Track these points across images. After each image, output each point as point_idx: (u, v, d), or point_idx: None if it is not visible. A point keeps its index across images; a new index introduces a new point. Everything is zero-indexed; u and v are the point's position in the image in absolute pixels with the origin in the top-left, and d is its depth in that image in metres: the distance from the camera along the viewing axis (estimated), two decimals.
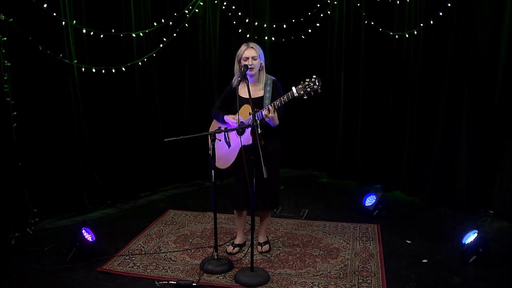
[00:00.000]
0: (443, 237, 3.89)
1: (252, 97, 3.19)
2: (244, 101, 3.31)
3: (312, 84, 3.09)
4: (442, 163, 4.62)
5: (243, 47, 3.34)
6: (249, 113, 3.16)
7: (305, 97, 3.13)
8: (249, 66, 3.28)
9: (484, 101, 4.34)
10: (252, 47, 3.31)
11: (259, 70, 3.37)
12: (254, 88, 3.38)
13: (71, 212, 4.39)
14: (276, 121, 3.25)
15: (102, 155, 4.65)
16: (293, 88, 3.13)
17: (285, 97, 3.15)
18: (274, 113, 3.18)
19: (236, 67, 3.40)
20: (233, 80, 3.46)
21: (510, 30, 4.11)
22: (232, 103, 3.41)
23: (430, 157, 4.74)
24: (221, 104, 3.51)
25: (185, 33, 5.10)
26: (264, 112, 3.18)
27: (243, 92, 3.35)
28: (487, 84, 4.31)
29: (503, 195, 4.31)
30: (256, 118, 3.17)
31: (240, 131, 3.33)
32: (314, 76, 3.11)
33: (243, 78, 3.22)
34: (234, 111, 3.39)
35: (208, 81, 5.35)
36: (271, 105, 3.18)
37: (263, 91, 3.38)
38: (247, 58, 3.29)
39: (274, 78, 3.44)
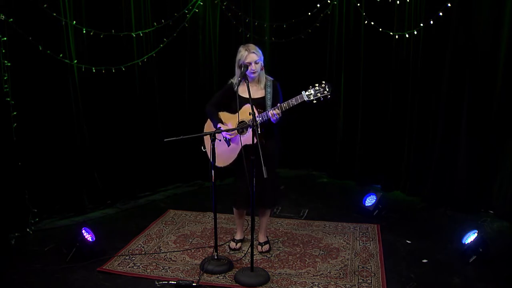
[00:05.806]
0: (443, 237, 3.89)
1: (253, 97, 3.19)
2: (244, 100, 3.28)
3: (322, 90, 3.09)
4: (442, 163, 4.62)
5: (243, 52, 3.27)
6: (249, 113, 3.14)
7: (314, 102, 3.13)
8: (252, 71, 3.28)
9: (484, 101, 4.34)
10: (254, 52, 3.27)
11: (260, 70, 3.37)
12: (256, 88, 3.38)
13: (71, 212, 4.39)
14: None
15: (102, 155, 4.64)
16: (303, 93, 3.13)
17: (294, 100, 3.15)
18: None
19: (237, 72, 3.36)
20: (233, 79, 3.45)
21: (510, 30, 4.10)
22: (231, 102, 3.40)
23: (430, 157, 4.73)
24: (217, 102, 3.48)
25: (185, 33, 5.09)
26: (276, 111, 3.17)
27: (243, 92, 3.32)
28: (487, 84, 4.30)
29: (503, 195, 4.30)
30: (261, 118, 3.19)
31: (240, 130, 3.33)
32: (324, 82, 3.10)
33: (243, 78, 3.22)
34: (232, 110, 3.39)
35: (208, 81, 5.34)
36: (283, 105, 3.17)
37: (264, 91, 3.38)
38: (250, 64, 3.27)
39: (272, 79, 3.44)
